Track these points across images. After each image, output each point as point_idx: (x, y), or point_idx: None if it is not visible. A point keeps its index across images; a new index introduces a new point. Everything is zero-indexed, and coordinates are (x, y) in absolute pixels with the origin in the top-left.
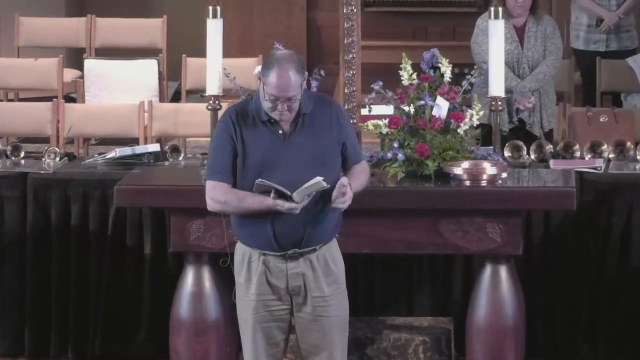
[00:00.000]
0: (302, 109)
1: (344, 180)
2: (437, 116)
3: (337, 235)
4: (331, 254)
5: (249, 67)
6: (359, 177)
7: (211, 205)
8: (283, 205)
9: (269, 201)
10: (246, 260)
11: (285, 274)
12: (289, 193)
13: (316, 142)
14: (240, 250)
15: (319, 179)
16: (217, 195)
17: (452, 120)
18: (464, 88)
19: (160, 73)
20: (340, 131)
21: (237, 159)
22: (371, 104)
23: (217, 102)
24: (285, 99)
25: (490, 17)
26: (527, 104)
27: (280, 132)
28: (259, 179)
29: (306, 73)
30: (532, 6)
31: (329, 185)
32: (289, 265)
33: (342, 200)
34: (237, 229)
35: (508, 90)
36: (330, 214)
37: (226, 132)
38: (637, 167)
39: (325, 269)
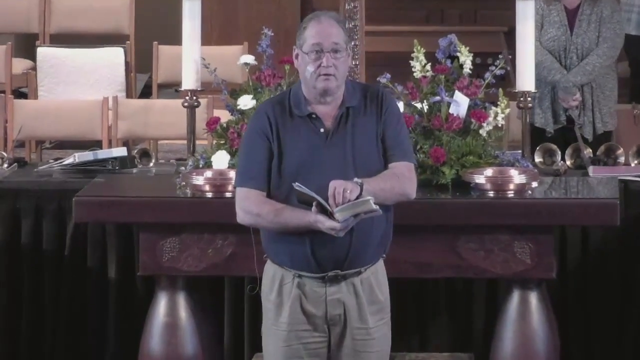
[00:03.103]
0: (346, 101)
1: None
2: (455, 115)
3: (384, 256)
4: (377, 278)
5: (232, 57)
6: (382, 180)
7: (242, 217)
8: (324, 223)
9: (310, 217)
10: (277, 282)
11: (324, 300)
12: (330, 209)
13: (361, 143)
14: (271, 271)
15: (368, 198)
16: (250, 206)
17: (472, 120)
18: (486, 81)
19: (127, 64)
20: (382, 123)
21: (272, 161)
22: None
23: (194, 97)
24: (330, 48)
25: None
26: (571, 102)
27: (322, 130)
28: (297, 184)
29: (351, 42)
30: None
31: (377, 208)
32: (328, 289)
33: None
34: (268, 245)
35: (552, 85)
36: (377, 230)
37: (261, 130)
38: None
39: (370, 296)
